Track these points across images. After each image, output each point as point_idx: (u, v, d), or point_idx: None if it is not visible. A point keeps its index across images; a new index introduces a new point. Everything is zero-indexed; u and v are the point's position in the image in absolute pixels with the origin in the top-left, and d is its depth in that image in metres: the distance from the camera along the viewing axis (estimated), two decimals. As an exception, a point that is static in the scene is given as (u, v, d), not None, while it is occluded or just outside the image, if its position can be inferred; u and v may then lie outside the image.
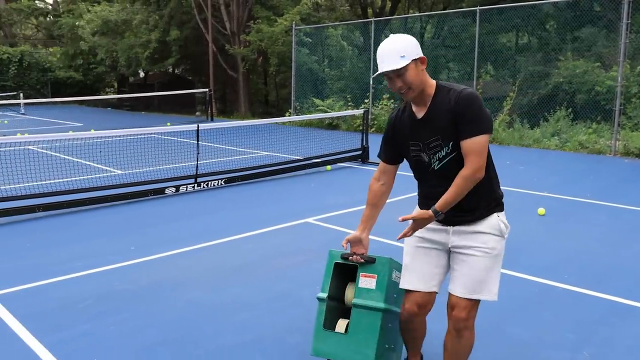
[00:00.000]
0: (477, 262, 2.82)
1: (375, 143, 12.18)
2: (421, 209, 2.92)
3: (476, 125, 2.73)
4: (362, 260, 3.03)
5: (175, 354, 3.65)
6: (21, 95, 28.62)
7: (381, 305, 2.95)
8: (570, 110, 14.92)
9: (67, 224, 7.01)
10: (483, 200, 2.83)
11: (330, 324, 3.11)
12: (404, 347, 3.31)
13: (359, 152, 11.61)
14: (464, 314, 2.83)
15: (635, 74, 14.23)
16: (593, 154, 12.92)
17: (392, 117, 3.02)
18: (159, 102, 32.39)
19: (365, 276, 3.04)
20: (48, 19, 43.60)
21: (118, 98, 34.03)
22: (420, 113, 2.86)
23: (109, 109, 33.41)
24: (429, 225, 2.89)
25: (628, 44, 13.06)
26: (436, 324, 3.48)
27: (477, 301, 2.87)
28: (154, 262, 5.51)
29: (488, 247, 2.82)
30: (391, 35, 2.81)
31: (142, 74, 40.25)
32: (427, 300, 2.97)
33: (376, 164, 11.08)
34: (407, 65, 2.71)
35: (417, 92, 2.79)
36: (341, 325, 3.11)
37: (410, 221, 2.81)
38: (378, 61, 2.79)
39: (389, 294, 3.02)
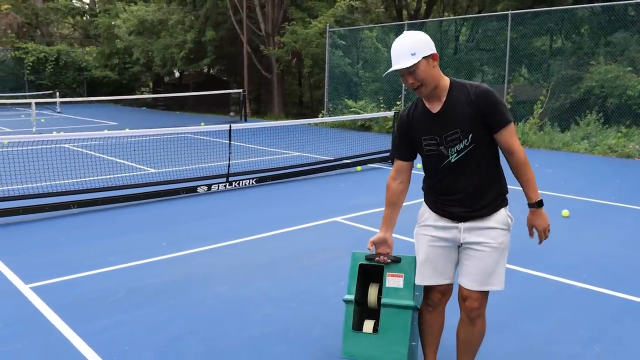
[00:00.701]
0: (487, 256, 2.96)
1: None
2: (432, 206, 3.08)
3: (503, 116, 2.88)
4: (389, 261, 3.16)
5: (203, 343, 3.85)
6: (57, 94, 29.17)
7: (411, 303, 3.10)
8: (601, 114, 14.86)
9: (101, 220, 7.27)
10: (492, 196, 2.98)
11: (357, 326, 3.24)
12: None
13: (389, 154, 11.73)
14: (476, 304, 2.98)
15: (667, 79, 14.10)
16: (622, 158, 12.87)
17: (403, 115, 3.11)
18: (193, 102, 32.81)
19: (392, 276, 3.16)
20: (85, 18, 44.28)
21: (153, 98, 34.52)
22: (435, 108, 2.95)
23: (144, 108, 33.98)
24: (440, 224, 3.03)
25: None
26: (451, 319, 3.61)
27: (487, 292, 3.01)
28: (183, 257, 5.72)
29: (497, 241, 2.97)
30: (404, 33, 2.92)
31: (177, 74, 40.80)
32: (445, 289, 3.13)
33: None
34: (417, 62, 2.81)
35: (431, 88, 2.89)
36: (367, 326, 3.24)
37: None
38: (392, 59, 2.89)
39: (415, 292, 3.16)
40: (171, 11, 29.71)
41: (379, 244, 3.21)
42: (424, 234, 3.09)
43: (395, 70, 2.86)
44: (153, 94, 37.94)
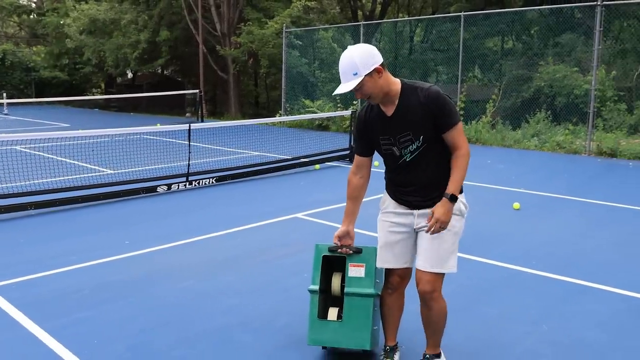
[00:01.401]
0: (439, 240, 3.13)
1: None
2: (393, 196, 3.27)
3: (451, 117, 3.06)
4: (351, 252, 3.33)
5: (172, 334, 3.96)
6: (4, 95, 28.38)
7: (372, 291, 3.28)
8: (549, 112, 15.44)
9: (60, 220, 7.26)
10: (444, 185, 3.13)
11: (322, 314, 3.40)
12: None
13: (347, 152, 11.92)
14: (428, 287, 3.14)
15: (611, 79, 14.73)
16: (569, 154, 13.39)
17: (361, 115, 3.28)
18: (147, 103, 32.47)
19: (354, 266, 3.34)
20: (32, 17, 43.19)
21: (105, 99, 34.01)
22: (389, 111, 3.13)
23: (96, 109, 33.43)
24: (398, 210, 3.23)
25: (604, 50, 13.51)
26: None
27: (441, 274, 3.19)
28: (147, 255, 5.79)
29: (450, 225, 3.13)
30: (348, 48, 3.06)
31: (130, 75, 40.31)
32: (404, 273, 3.32)
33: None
34: (361, 81, 2.98)
35: (379, 98, 3.09)
36: (332, 314, 3.41)
37: (430, 216, 3.09)
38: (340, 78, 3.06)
39: (376, 280, 3.33)
40: (124, 10, 29.33)
41: (342, 237, 3.38)
42: (385, 220, 3.29)
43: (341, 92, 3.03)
44: (105, 95, 37.35)
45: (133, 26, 28.58)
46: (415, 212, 3.21)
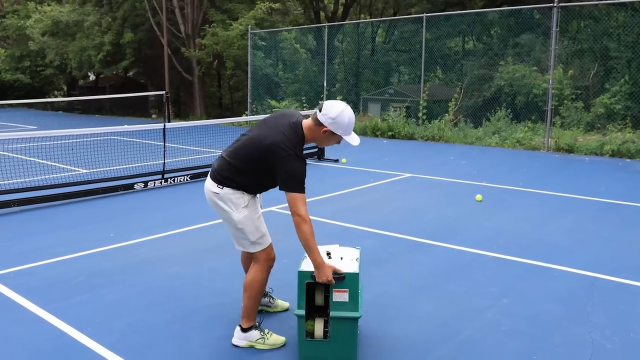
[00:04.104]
0: None
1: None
2: (253, 192, 3.87)
3: None
4: (333, 282, 3.51)
5: (167, 312, 4.32)
6: (-36, 99, 28.05)
7: (357, 314, 3.51)
8: (510, 111, 16.12)
9: (43, 217, 7.49)
10: None
11: (310, 334, 3.60)
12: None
13: (315, 150, 12.32)
14: None
15: (568, 78, 15.43)
16: (529, 150, 14.04)
17: (305, 163, 3.67)
18: (110, 105, 32.43)
19: (338, 291, 3.55)
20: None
21: (69, 101, 33.79)
22: None
23: (60, 112, 33.25)
24: (258, 199, 4.02)
25: (561, 50, 14.19)
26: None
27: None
28: (133, 245, 6.10)
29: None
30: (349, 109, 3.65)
31: (92, 77, 40.09)
32: None
33: (332, 160, 11.83)
34: None
35: None
36: (318, 329, 3.62)
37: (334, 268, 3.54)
38: (351, 128, 3.64)
39: (360, 303, 3.58)
40: (86, 12, 29.25)
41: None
42: (256, 210, 3.91)
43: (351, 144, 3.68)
44: (68, 97, 37.04)
45: (97, 28, 28.52)
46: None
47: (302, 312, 3.53)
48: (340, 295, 3.52)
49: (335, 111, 3.55)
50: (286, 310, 4.35)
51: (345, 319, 3.50)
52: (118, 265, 5.42)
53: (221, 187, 3.76)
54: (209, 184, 3.85)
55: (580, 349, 3.73)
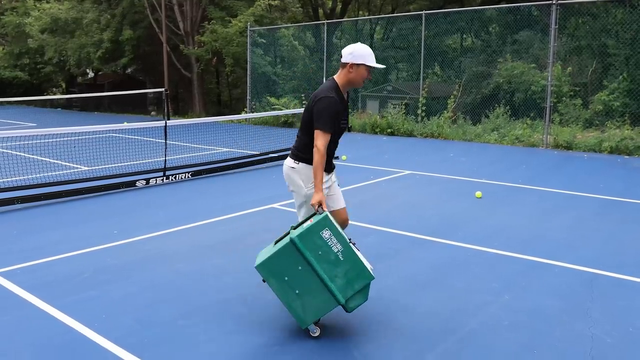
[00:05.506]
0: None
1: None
2: (325, 169, 4.19)
3: None
4: (318, 210, 3.94)
5: (174, 308, 4.37)
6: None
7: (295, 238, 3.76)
8: (508, 107, 16.17)
9: (47, 214, 7.54)
10: None
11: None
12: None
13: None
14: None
15: (567, 75, 15.49)
16: (527, 147, 14.10)
17: (336, 100, 4.10)
18: (109, 103, 32.42)
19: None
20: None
21: (68, 98, 33.77)
22: (344, 98, 4.25)
23: (59, 109, 33.25)
24: (325, 178, 4.28)
25: (560, 47, 14.24)
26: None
27: None
28: (137, 242, 6.15)
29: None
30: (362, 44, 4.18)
31: (91, 74, 40.06)
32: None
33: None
34: None
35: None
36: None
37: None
38: (373, 58, 4.11)
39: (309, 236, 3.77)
40: (85, 9, 29.26)
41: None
42: (324, 189, 4.18)
43: (376, 68, 4.14)
44: (67, 94, 37.01)
45: (95, 25, 28.54)
46: (331, 174, 4.45)
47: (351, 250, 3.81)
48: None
49: (351, 47, 4.13)
50: None
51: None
52: (123, 262, 5.48)
53: (297, 162, 4.26)
54: (288, 160, 4.37)
55: (580, 344, 3.79)
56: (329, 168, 4.32)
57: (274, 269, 3.82)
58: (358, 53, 4.08)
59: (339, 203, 4.46)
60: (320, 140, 4.03)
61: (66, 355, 3.65)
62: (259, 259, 3.92)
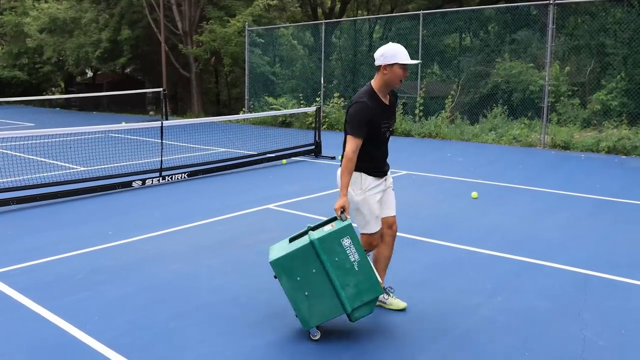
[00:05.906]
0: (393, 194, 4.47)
1: (327, 139, 12.92)
2: (373, 173, 4.21)
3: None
4: (340, 217, 3.87)
5: (168, 309, 4.38)
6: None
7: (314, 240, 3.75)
8: (506, 107, 16.18)
9: (42, 215, 7.54)
10: None
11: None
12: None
13: (312, 147, 12.40)
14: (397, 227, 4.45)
15: (565, 74, 15.50)
16: (525, 147, 14.10)
17: (367, 105, 4.04)
18: (107, 102, 32.41)
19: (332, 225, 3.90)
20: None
21: (67, 98, 33.76)
22: (386, 101, 4.18)
23: (58, 109, 33.23)
24: (376, 184, 4.25)
25: (558, 47, 14.24)
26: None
27: None
28: (132, 243, 6.16)
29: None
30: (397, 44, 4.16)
31: (90, 74, 40.07)
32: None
33: (329, 157, 11.87)
34: None
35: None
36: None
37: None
38: (405, 55, 4.05)
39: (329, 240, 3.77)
40: (84, 9, 29.26)
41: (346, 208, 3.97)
42: (374, 195, 4.22)
43: (409, 64, 4.09)
44: (65, 94, 36.99)
45: (94, 25, 28.54)
46: (384, 178, 4.34)
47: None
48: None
49: (382, 49, 4.11)
50: (403, 309, 4.44)
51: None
52: (117, 263, 5.48)
53: None
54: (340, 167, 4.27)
55: (572, 346, 3.80)
56: (380, 173, 4.26)
57: (288, 268, 3.83)
58: (389, 53, 4.04)
59: (388, 211, 4.39)
60: (350, 145, 4.01)
61: (59, 358, 3.65)
62: (274, 255, 3.92)
